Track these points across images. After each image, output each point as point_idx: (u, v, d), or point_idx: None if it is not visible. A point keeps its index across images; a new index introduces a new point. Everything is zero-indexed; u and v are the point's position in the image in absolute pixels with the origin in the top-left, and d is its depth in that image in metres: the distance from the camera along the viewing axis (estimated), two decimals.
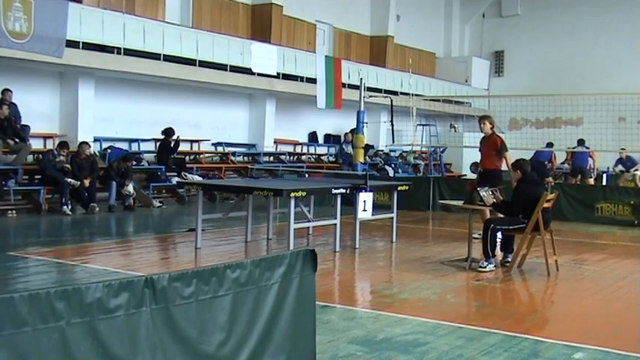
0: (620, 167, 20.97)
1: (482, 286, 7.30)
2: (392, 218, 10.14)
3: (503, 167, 10.20)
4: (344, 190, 9.04)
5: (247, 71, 17.10)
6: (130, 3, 16.44)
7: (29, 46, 12.05)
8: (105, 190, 13.50)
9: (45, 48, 12.26)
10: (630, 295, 7.05)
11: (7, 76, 13.44)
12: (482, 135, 10.31)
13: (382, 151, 23.01)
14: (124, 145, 16.00)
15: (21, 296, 2.47)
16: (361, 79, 15.17)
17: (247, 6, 19.99)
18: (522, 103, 24.36)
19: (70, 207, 12.62)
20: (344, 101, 16.18)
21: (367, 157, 18.58)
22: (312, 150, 21.75)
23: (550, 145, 19.40)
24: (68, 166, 12.97)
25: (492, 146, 10.10)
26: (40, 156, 13.45)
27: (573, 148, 19.07)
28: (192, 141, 17.83)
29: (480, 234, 10.21)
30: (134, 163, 14.78)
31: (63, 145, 13.27)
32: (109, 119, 15.67)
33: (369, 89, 17.44)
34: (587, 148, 18.63)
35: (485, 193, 8.19)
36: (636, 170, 20.35)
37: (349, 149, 19.28)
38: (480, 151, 10.45)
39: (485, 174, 10.12)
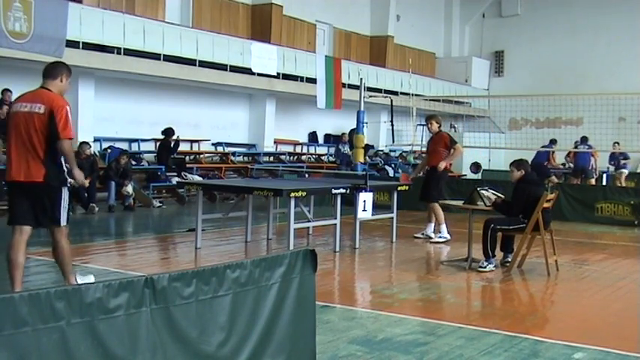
0: (623, 162, 20.86)
1: (482, 286, 7.31)
2: (392, 218, 10.15)
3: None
4: (344, 190, 9.04)
5: (247, 71, 17.10)
6: (130, 3, 16.45)
7: (29, 46, 12.05)
8: (105, 190, 13.50)
9: (45, 48, 12.24)
10: (630, 295, 7.05)
11: (7, 76, 13.43)
12: (430, 135, 10.75)
13: (382, 151, 23.01)
14: (124, 145, 15.98)
15: (21, 296, 2.47)
16: (361, 79, 15.15)
17: (247, 6, 19.99)
18: (522, 103, 24.39)
19: None
20: (344, 101, 16.17)
21: (367, 157, 18.58)
22: (312, 150, 21.76)
23: (554, 141, 19.41)
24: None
25: (440, 143, 10.37)
26: None
27: (576, 146, 19.06)
28: (192, 141, 17.83)
29: (422, 233, 10.41)
30: (133, 162, 14.77)
31: None
32: (109, 119, 15.67)
33: (369, 89, 17.42)
34: (590, 147, 18.62)
35: (487, 193, 8.18)
36: (623, 169, 20.31)
37: (346, 149, 19.31)
38: (426, 151, 10.85)
39: (431, 171, 10.29)
